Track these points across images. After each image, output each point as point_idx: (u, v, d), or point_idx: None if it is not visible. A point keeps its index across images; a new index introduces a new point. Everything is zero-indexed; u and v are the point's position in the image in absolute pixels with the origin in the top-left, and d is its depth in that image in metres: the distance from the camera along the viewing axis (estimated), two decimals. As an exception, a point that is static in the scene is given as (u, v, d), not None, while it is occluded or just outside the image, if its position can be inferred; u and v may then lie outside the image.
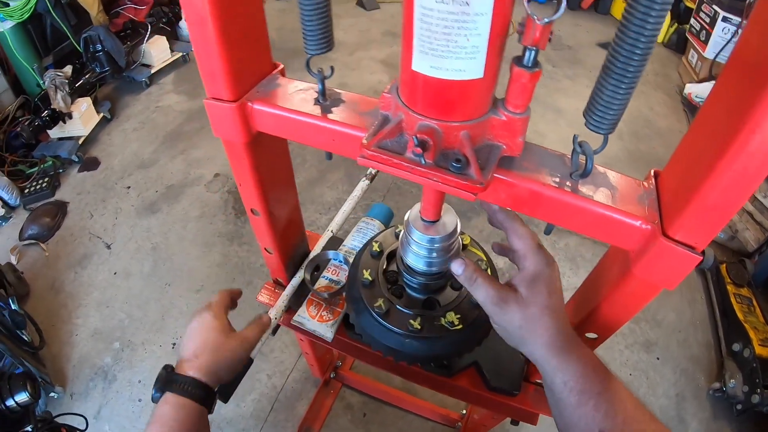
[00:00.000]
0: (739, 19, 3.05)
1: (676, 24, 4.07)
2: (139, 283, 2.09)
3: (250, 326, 0.77)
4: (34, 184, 2.45)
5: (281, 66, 0.61)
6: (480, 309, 0.69)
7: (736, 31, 3.09)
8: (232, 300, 0.80)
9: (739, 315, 1.89)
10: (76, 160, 2.60)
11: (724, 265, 2.10)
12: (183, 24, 3.43)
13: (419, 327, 0.67)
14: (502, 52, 0.43)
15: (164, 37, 3.19)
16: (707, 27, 3.32)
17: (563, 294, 0.56)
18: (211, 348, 0.68)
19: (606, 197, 0.48)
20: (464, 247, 0.76)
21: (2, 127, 2.51)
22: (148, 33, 3.02)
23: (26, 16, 2.38)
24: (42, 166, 2.51)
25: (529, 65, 0.41)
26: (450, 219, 0.63)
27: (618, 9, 4.57)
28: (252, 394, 1.72)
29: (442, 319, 0.68)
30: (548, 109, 3.17)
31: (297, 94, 0.56)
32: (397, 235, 0.80)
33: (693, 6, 3.65)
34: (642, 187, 0.50)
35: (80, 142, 2.64)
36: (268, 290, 1.00)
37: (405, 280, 0.72)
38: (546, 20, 0.37)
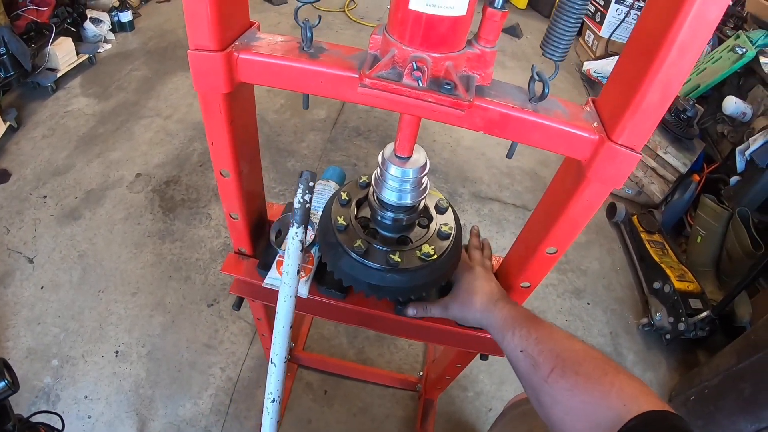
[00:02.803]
0: (631, 1, 3.43)
1: (573, 8, 4.54)
2: (70, 293, 1.95)
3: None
4: (-64, 202, 2.20)
5: (258, 23, 0.65)
6: (449, 240, 0.77)
7: (628, 12, 3.46)
8: None
9: (655, 257, 2.10)
10: (-16, 174, 2.37)
11: (635, 216, 2.33)
12: (88, 25, 3.21)
13: (399, 260, 0.72)
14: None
15: (69, 39, 2.97)
16: (602, 9, 3.69)
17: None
18: None
19: (561, 116, 0.57)
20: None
21: None
22: (53, 35, 2.79)
23: None
24: (-55, 182, 2.26)
25: (499, 7, 0.51)
26: (420, 156, 0.70)
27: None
28: (208, 390, 1.68)
29: (418, 251, 0.74)
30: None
31: (280, 44, 0.60)
32: (361, 186, 0.84)
33: (589, -9, 4.10)
34: (584, 109, 0.61)
35: (-14, 154, 2.41)
36: (231, 262, 0.97)
37: (379, 219, 0.77)
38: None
